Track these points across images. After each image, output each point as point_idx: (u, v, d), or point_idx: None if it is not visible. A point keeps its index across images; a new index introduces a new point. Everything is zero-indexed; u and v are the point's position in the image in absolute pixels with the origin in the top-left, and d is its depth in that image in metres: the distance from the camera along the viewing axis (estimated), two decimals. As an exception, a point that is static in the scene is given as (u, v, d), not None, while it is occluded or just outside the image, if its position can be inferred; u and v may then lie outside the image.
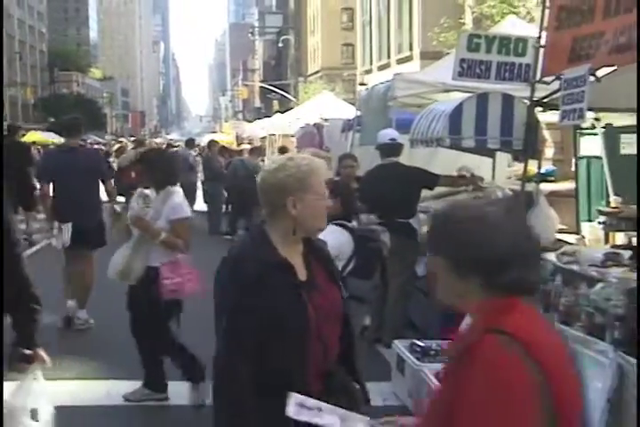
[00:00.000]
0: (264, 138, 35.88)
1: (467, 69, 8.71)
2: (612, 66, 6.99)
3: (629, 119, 15.53)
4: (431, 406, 2.81)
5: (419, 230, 9.88)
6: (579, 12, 7.36)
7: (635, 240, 12.75)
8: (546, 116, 10.21)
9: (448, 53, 14.06)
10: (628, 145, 15.57)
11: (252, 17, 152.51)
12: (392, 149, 10.05)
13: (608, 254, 7.54)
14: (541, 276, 2.53)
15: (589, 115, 12.43)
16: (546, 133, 17.52)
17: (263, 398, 3.55)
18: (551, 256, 7.78)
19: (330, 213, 4.22)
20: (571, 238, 11.01)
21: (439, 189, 10.90)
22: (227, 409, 3.59)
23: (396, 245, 9.59)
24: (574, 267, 7.11)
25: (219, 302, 3.69)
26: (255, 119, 62.13)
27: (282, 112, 43.66)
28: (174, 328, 7.56)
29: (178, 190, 7.62)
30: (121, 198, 13.32)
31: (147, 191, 7.66)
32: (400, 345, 8.04)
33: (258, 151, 23.16)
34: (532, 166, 10.28)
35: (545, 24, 7.95)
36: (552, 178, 16.46)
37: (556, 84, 7.51)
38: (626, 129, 15.79)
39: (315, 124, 22.26)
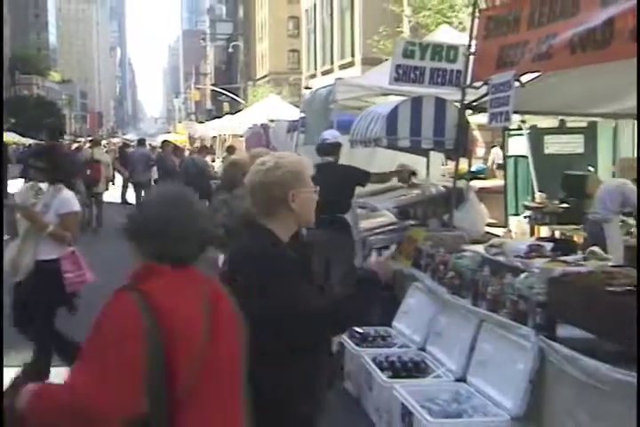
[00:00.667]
0: (215, 138, 35.80)
1: (402, 75, 8.77)
2: (536, 72, 7.06)
3: (552, 121, 15.72)
4: None
5: (354, 225, 9.94)
6: (505, 23, 7.42)
7: (558, 233, 12.93)
8: (477, 118, 10.29)
9: (386, 60, 14.13)
10: (551, 145, 15.76)
11: (204, 24, 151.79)
12: (328, 148, 10.09)
13: (532, 246, 7.62)
14: (193, 250, 2.71)
15: (516, 117, 12.55)
16: (477, 134, 17.70)
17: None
18: (480, 248, 7.86)
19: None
20: (499, 231, 11.11)
21: (377, 186, 10.97)
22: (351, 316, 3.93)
23: (333, 239, 9.65)
24: (501, 258, 7.18)
25: (272, 282, 3.67)
26: (207, 120, 61.86)
27: (232, 114, 43.54)
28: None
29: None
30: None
31: (40, 185, 7.55)
32: (340, 332, 8.08)
33: (206, 150, 23.27)
34: (465, 165, 10.36)
35: (475, 33, 8.00)
36: (482, 175, 16.59)
37: (484, 89, 7.57)
38: (549, 130, 15.98)
39: (262, 125, 22.28)
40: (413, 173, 10.39)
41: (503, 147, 14.70)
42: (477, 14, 8.13)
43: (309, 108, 13.81)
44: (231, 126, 30.89)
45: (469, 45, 8.15)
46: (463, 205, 9.34)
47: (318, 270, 9.66)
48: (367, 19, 38.72)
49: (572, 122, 15.84)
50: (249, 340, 3.30)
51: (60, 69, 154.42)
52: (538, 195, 14.73)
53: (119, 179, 26.95)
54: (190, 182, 19.62)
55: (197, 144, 29.57)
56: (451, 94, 8.98)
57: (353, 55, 43.46)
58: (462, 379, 6.43)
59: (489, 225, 10.99)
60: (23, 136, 61.50)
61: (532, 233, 13.81)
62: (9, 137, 50.48)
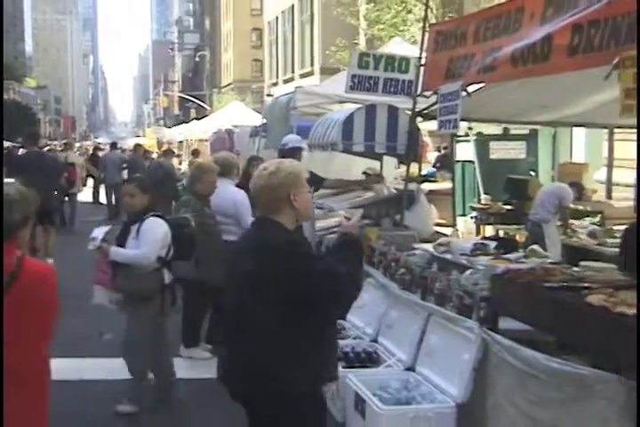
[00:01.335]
0: (182, 142, 35.64)
1: (357, 84, 8.79)
2: (481, 83, 7.10)
3: (497, 128, 15.83)
4: None
5: (310, 224, 9.93)
6: (453, 37, 7.46)
7: (502, 232, 13.02)
8: (427, 125, 10.33)
9: (343, 70, 14.14)
10: (495, 151, 15.88)
11: (173, 35, 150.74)
12: (287, 153, 10.09)
13: (476, 245, 7.67)
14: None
15: (463, 124, 12.61)
16: (428, 140, 17.77)
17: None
18: (429, 246, 7.89)
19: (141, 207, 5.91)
20: (447, 231, 11.15)
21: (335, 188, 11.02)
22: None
23: None
24: (448, 256, 7.22)
25: (316, 267, 3.95)
26: (174, 125, 61.50)
27: (198, 119, 43.34)
28: None
29: None
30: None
31: None
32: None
33: (171, 153, 23.18)
34: (416, 168, 10.40)
35: (425, 46, 8.03)
36: (433, 179, 16.63)
37: (434, 98, 7.61)
38: (494, 137, 16.12)
39: (226, 130, 22.21)
40: (379, 176, 10.42)
41: (452, 152, 14.75)
42: (428, 29, 8.16)
43: (271, 114, 13.80)
44: (197, 131, 30.79)
45: (420, 57, 8.18)
46: (414, 207, 9.38)
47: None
48: (326, 31, 38.70)
49: (515, 129, 16.00)
50: (277, 316, 3.85)
51: (36, 76, 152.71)
52: (483, 197, 14.84)
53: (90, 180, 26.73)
54: (157, 184, 19.63)
55: (165, 148, 29.40)
56: (403, 102, 9.01)
57: (312, 65, 43.44)
58: (411, 368, 6.46)
59: (438, 225, 11.05)
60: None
61: (477, 232, 13.90)
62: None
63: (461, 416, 5.74)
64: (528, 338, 5.66)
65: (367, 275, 8.29)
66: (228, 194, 8.60)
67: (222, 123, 24.83)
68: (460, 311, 6.25)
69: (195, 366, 8.22)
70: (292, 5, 48.86)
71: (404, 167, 11.50)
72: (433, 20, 19.62)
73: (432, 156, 19.56)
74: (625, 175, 16.21)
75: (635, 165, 16.21)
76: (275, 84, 52.17)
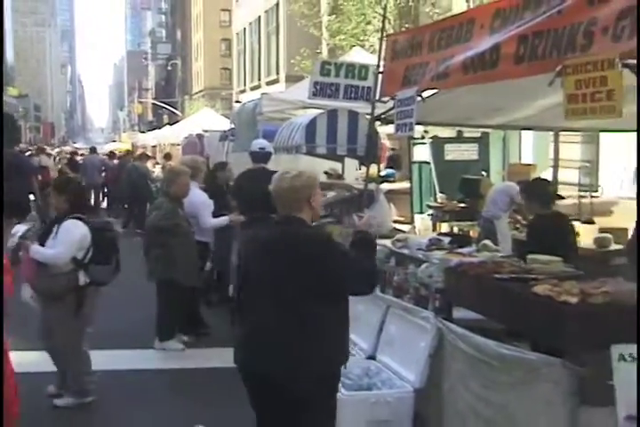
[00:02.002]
0: (155, 146, 35.46)
1: (320, 90, 8.78)
2: (435, 89, 7.12)
3: (451, 132, 15.91)
4: None
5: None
6: (409, 47, 7.46)
7: (456, 229, 13.09)
8: (386, 129, 10.35)
9: (307, 77, 14.15)
10: (450, 152, 15.97)
11: (146, 45, 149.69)
12: (261, 156, 10.08)
13: (432, 240, 7.68)
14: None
15: (419, 128, 12.67)
16: (387, 143, 17.82)
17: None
18: (387, 242, 7.91)
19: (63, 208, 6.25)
20: (406, 228, 11.19)
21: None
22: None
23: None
24: (405, 251, 7.22)
25: (341, 252, 4.31)
26: (148, 130, 61.11)
27: (170, 125, 43.15)
28: None
29: None
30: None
31: None
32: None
33: (145, 157, 23.19)
34: (375, 169, 10.44)
35: (383, 55, 8.03)
36: (392, 179, 16.68)
37: (391, 103, 7.60)
38: (448, 140, 16.20)
39: (197, 135, 22.14)
40: (340, 176, 10.44)
41: (408, 154, 14.79)
42: (385, 39, 8.16)
43: (238, 119, 13.78)
44: (170, 136, 30.65)
45: (378, 65, 8.17)
46: (374, 205, 9.39)
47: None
48: (290, 41, 38.70)
49: (468, 132, 16.08)
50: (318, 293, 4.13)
51: (17, 85, 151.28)
52: (439, 196, 14.92)
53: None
54: (133, 185, 19.61)
55: (139, 152, 29.23)
56: (362, 108, 9.04)
57: (278, 73, 43.41)
58: (372, 357, 6.48)
59: (397, 222, 11.09)
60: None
61: (434, 229, 13.96)
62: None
63: (419, 400, 5.78)
64: (480, 326, 5.70)
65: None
66: (193, 196, 8.60)
67: (193, 128, 24.76)
68: (417, 302, 6.29)
69: (167, 357, 8.21)
70: (259, 17, 48.82)
71: (364, 168, 11.57)
72: (391, 31, 19.72)
73: (390, 157, 19.62)
74: (569, 175, 16.36)
75: (577, 165, 16.39)
76: (243, 91, 52.07)
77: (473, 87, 6.42)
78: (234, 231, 10.44)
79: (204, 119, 27.13)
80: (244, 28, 53.83)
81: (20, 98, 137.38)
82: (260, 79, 48.52)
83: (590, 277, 5.48)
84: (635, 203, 8.98)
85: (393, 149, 19.73)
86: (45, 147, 37.59)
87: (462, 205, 13.80)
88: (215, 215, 9.13)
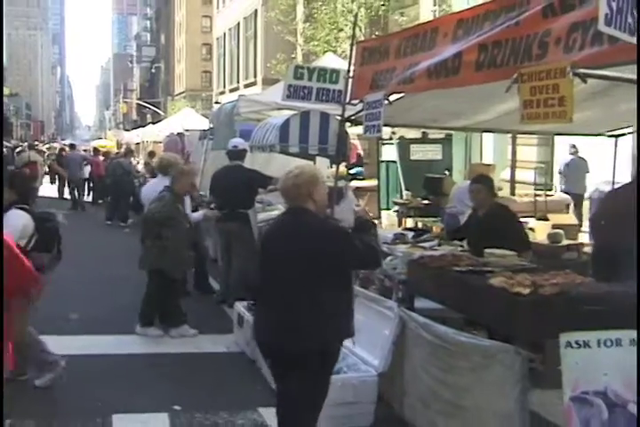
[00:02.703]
0: (138, 144, 35.26)
1: (293, 93, 8.73)
2: (401, 93, 7.14)
3: (417, 133, 15.95)
4: None
5: (254, 219, 9.93)
6: (378, 53, 7.47)
7: (420, 224, 13.14)
8: (355, 130, 10.34)
9: (283, 80, 14.11)
10: (415, 152, 16.03)
11: (132, 48, 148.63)
12: (236, 153, 10.07)
13: (396, 235, 7.75)
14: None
15: (387, 129, 12.69)
16: (357, 143, 17.84)
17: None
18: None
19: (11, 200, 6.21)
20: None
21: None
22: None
23: (237, 230, 9.65)
24: (371, 244, 7.25)
25: (344, 237, 4.57)
26: (132, 129, 60.70)
27: (154, 123, 42.88)
28: None
29: None
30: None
31: None
32: (240, 305, 8.06)
33: (130, 153, 23.11)
34: (345, 168, 10.44)
35: (353, 60, 8.03)
36: (361, 177, 16.71)
37: (360, 106, 7.61)
38: (414, 140, 16.24)
39: (178, 134, 22.05)
40: None
41: (377, 153, 14.84)
42: (355, 45, 8.16)
43: (217, 119, 13.73)
44: (152, 134, 30.45)
45: (349, 70, 8.17)
46: (343, 201, 9.41)
47: (225, 252, 9.78)
48: (267, 46, 38.61)
49: (432, 134, 16.13)
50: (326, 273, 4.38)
51: (9, 85, 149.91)
52: (405, 193, 14.97)
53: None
54: (117, 181, 19.53)
55: (123, 149, 29.01)
56: (333, 110, 9.01)
57: (255, 76, 43.33)
58: (339, 343, 6.50)
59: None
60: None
61: (399, 224, 14.01)
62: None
63: (383, 384, 5.82)
64: (440, 315, 5.76)
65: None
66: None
67: (175, 127, 24.63)
68: (382, 293, 6.33)
69: (145, 342, 8.19)
70: (238, 24, 48.68)
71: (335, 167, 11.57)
72: (362, 38, 19.71)
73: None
74: (525, 175, 16.50)
75: (533, 166, 16.52)
76: (222, 93, 51.89)
77: (437, 92, 6.44)
78: (208, 225, 10.45)
79: (185, 119, 26.97)
80: (224, 34, 53.66)
81: (11, 97, 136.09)
82: (238, 82, 48.37)
83: (542, 270, 5.54)
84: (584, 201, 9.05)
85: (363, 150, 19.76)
86: (36, 143, 37.42)
87: (426, 201, 13.86)
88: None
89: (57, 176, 26.87)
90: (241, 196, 9.70)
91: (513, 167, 16.88)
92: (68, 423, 5.86)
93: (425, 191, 14.16)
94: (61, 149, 31.30)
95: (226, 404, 6.30)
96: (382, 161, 16.34)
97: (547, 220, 10.93)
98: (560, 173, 15.87)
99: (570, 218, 11.70)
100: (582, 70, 4.38)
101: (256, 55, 43.71)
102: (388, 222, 14.11)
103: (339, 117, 8.71)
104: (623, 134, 9.22)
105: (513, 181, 16.43)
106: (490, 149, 19.81)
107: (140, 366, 7.39)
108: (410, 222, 13.70)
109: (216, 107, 22.16)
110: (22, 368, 6.54)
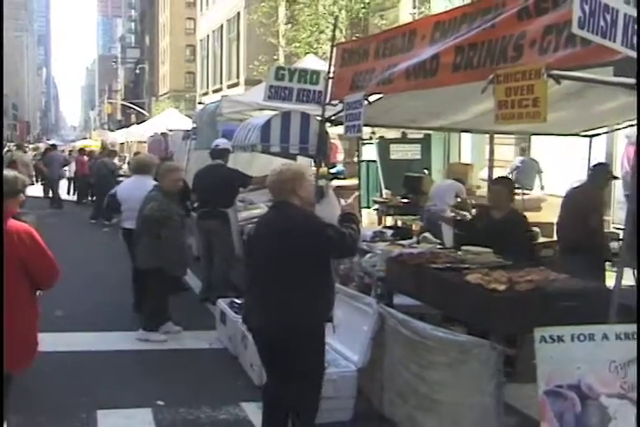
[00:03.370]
0: (123, 143, 35.14)
1: (274, 93, 8.72)
2: (380, 93, 7.15)
3: (396, 133, 15.98)
4: None
5: (234, 218, 9.91)
6: (357, 54, 7.48)
7: (400, 222, 13.16)
8: (336, 130, 10.34)
9: (264, 81, 14.08)
10: (395, 152, 16.08)
11: (116, 50, 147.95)
12: (217, 152, 10.07)
13: (376, 233, 7.76)
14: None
15: (367, 129, 12.70)
16: (338, 143, 17.84)
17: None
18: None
19: None
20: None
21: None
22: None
23: (217, 229, 9.64)
24: (351, 242, 7.25)
25: (320, 227, 4.71)
26: (117, 129, 60.42)
27: (138, 124, 42.73)
28: None
29: None
30: None
31: None
32: (222, 302, 8.05)
33: (114, 153, 23.10)
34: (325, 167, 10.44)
35: (333, 62, 8.03)
36: (342, 176, 16.72)
37: (340, 106, 7.61)
38: (394, 140, 16.28)
39: (162, 134, 22.01)
40: None
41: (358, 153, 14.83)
42: (335, 47, 8.16)
43: (200, 119, 13.70)
44: (137, 134, 30.36)
45: (329, 71, 8.17)
46: (323, 200, 9.41)
47: (206, 249, 9.77)
48: (250, 48, 38.52)
49: (411, 134, 16.17)
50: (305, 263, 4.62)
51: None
52: (384, 192, 15.00)
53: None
54: (102, 180, 19.43)
55: (107, 148, 28.90)
56: (314, 110, 9.01)
57: (238, 77, 43.22)
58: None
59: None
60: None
61: (379, 222, 14.03)
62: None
63: (362, 379, 5.82)
64: (418, 312, 5.78)
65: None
66: (144, 187, 8.45)
67: (159, 127, 24.57)
68: (361, 290, 6.33)
69: (127, 340, 8.13)
70: (221, 26, 48.57)
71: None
72: (342, 40, 19.72)
73: (341, 156, 19.64)
74: (503, 174, 16.48)
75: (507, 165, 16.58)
76: (205, 94, 51.75)
77: (416, 92, 6.45)
78: (191, 224, 10.41)
79: (168, 119, 26.90)
80: (208, 36, 53.52)
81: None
82: (221, 82, 48.26)
83: (517, 267, 5.57)
84: (559, 200, 9.11)
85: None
86: (26, 144, 37.56)
87: (405, 200, 13.89)
88: None
89: (42, 176, 26.74)
90: (221, 194, 9.70)
91: (491, 167, 16.89)
92: (53, 419, 5.84)
93: (404, 190, 14.19)
94: (47, 150, 31.16)
95: (208, 399, 6.29)
96: (362, 160, 16.35)
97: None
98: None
99: (546, 216, 11.76)
100: (556, 72, 4.40)
101: (239, 57, 43.62)
102: (368, 221, 14.12)
103: (319, 118, 8.71)
104: (598, 134, 9.29)
105: (491, 181, 16.44)
106: (468, 148, 19.87)
107: (123, 363, 7.37)
108: (389, 221, 13.72)
109: (199, 107, 22.11)
110: None
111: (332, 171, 15.04)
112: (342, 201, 10.27)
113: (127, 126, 49.59)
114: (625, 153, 12.18)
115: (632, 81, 4.24)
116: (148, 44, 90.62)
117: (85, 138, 74.78)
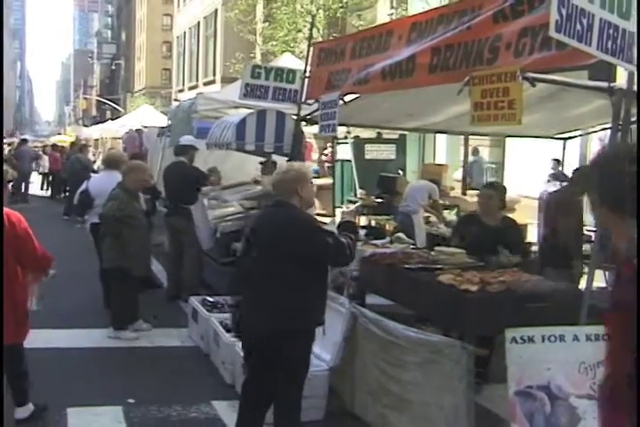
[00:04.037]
0: (97, 139, 34.93)
1: (250, 92, 8.72)
2: (356, 93, 7.16)
3: (371, 133, 16.00)
4: None
5: (201, 214, 9.86)
6: (333, 54, 7.48)
7: (374, 222, 13.18)
8: (311, 129, 10.34)
9: (240, 79, 14.05)
10: (370, 152, 16.12)
11: (92, 45, 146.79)
12: (180, 149, 10.08)
13: (350, 232, 7.72)
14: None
15: (342, 129, 12.71)
16: (313, 142, 17.85)
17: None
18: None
19: None
20: (327, 220, 11.21)
21: (229, 182, 11.01)
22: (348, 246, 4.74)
23: (182, 226, 9.62)
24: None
25: (315, 231, 4.69)
26: (92, 125, 60.02)
27: (113, 120, 42.52)
28: None
29: None
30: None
31: None
32: (195, 300, 8.01)
33: (86, 149, 22.92)
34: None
35: (310, 61, 8.03)
36: (316, 175, 16.71)
37: (316, 106, 7.62)
38: (369, 140, 16.32)
39: (137, 130, 21.88)
40: (274, 163, 10.35)
41: (333, 153, 14.84)
42: (312, 46, 8.16)
43: (175, 116, 13.64)
44: (112, 130, 30.21)
45: (305, 70, 8.17)
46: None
47: (172, 246, 9.75)
48: (227, 45, 38.44)
49: (386, 134, 16.21)
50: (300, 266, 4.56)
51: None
52: (359, 191, 15.00)
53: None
54: (75, 176, 19.27)
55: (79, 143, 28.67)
56: (289, 109, 9.01)
57: (214, 74, 43.12)
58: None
59: (319, 215, 11.09)
60: None
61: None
62: None
63: (334, 378, 5.82)
64: (391, 311, 5.78)
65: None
66: (114, 183, 8.40)
67: (134, 123, 24.47)
68: (335, 289, 6.31)
69: (99, 338, 8.08)
70: (198, 22, 48.44)
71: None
72: (320, 39, 19.72)
73: (315, 156, 19.64)
74: (458, 172, 16.62)
75: (485, 167, 16.66)
76: (181, 91, 51.57)
77: (391, 93, 6.47)
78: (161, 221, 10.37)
79: (143, 116, 26.80)
80: (184, 32, 53.36)
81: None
82: (197, 80, 48.12)
83: (490, 268, 5.59)
84: (533, 201, 9.16)
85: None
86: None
87: (380, 200, 13.91)
88: None
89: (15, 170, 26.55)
90: (182, 191, 9.69)
91: (465, 168, 16.99)
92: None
93: (379, 190, 14.21)
94: (18, 144, 30.92)
95: (179, 397, 6.26)
96: (337, 160, 16.37)
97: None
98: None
99: (519, 217, 11.81)
100: (532, 74, 4.42)
101: (215, 54, 43.52)
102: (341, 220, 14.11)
103: (294, 116, 8.71)
104: (572, 137, 9.36)
105: (464, 182, 16.54)
106: (443, 149, 19.97)
107: (94, 360, 7.32)
108: (363, 220, 13.73)
109: (175, 104, 22.03)
110: None
111: (308, 170, 15.03)
112: (316, 201, 10.27)
113: (102, 122, 49.21)
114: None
115: (606, 85, 4.27)
116: (125, 39, 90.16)
117: (60, 133, 74.26)
